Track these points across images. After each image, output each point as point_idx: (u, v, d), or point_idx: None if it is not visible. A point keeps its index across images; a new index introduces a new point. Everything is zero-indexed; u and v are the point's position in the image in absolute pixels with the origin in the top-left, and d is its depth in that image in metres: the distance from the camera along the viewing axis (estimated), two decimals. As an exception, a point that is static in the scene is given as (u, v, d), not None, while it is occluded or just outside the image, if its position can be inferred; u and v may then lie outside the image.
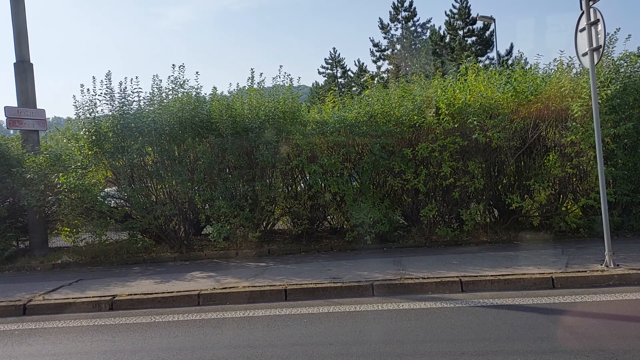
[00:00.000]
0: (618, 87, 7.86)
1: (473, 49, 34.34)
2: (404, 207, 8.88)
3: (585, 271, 5.98)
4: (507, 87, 8.11)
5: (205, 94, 9.31)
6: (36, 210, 8.97)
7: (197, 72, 9.38)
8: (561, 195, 8.48)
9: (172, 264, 8.29)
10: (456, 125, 8.08)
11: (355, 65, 51.15)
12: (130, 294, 6.15)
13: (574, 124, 7.69)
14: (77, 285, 6.92)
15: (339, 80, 54.60)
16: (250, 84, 9.22)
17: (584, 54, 6.30)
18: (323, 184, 8.39)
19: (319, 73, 55.34)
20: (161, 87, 8.98)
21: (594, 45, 6.09)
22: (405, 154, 8.23)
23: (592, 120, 7.71)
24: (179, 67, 9.07)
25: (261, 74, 9.17)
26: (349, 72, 53.18)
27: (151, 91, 8.90)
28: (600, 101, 7.72)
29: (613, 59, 8.55)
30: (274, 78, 9.03)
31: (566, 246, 7.63)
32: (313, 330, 4.77)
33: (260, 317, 5.31)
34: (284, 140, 8.37)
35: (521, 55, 13.44)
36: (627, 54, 8.59)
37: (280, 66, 9.27)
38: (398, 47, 43.14)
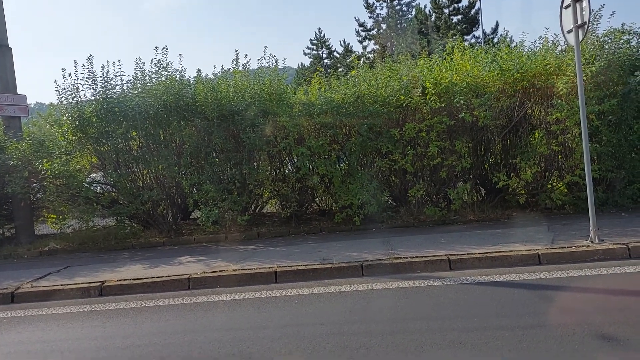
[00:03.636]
0: (603, 63, 7.89)
1: (459, 27, 34.20)
2: (392, 187, 8.91)
3: (571, 247, 6.08)
4: (493, 66, 8.11)
5: (190, 76, 9.19)
6: (21, 198, 8.84)
7: (180, 55, 9.23)
8: (547, 173, 8.56)
9: (161, 249, 8.26)
10: (443, 105, 8.08)
11: (341, 45, 50.85)
12: (120, 280, 6.13)
13: (559, 101, 7.74)
14: (65, 272, 6.87)
15: (325, 61, 54.18)
16: (235, 66, 9.12)
17: (569, 31, 6.31)
18: (311, 166, 8.37)
19: (305, 54, 54.96)
20: (145, 70, 8.83)
21: (579, 22, 6.09)
22: (392, 134, 8.22)
23: (577, 98, 7.82)
24: (162, 49, 8.92)
25: (246, 55, 9.22)
26: (335, 53, 52.79)
27: (134, 75, 8.74)
28: (585, 78, 7.78)
29: (598, 36, 8.58)
30: (259, 60, 8.95)
31: (552, 223, 7.73)
32: (304, 311, 4.80)
33: (250, 299, 5.33)
34: (271, 122, 8.32)
35: (506, 34, 13.42)
36: (612, 30, 8.62)
37: (265, 47, 9.23)
38: (384, 26, 42.86)
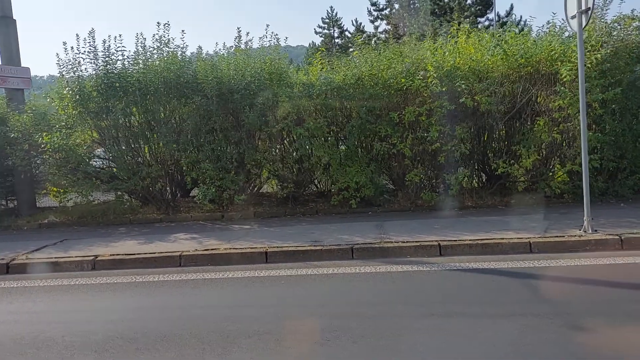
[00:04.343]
0: (609, 50, 7.72)
1: (472, 9, 33.54)
2: (391, 171, 8.87)
3: (563, 236, 6.04)
4: (496, 50, 7.97)
5: (192, 53, 9.15)
6: (21, 170, 8.94)
7: (182, 31, 9.14)
8: (548, 161, 8.47)
9: (158, 225, 8.34)
10: (444, 89, 7.96)
11: (353, 25, 50.19)
12: (113, 254, 6.21)
13: (562, 88, 7.60)
14: (61, 245, 6.97)
15: (336, 40, 53.56)
16: (237, 43, 9.05)
17: (573, 17, 6.16)
18: (309, 148, 8.34)
19: (316, 33, 54.34)
20: (145, 45, 8.79)
21: (583, 7, 5.95)
22: (392, 117, 8.14)
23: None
24: (164, 25, 8.87)
25: (247, 33, 9.01)
26: (347, 32, 52.15)
27: (135, 50, 8.71)
28: (589, 65, 7.64)
29: (606, 22, 8.39)
30: (260, 38, 8.89)
31: (550, 211, 7.67)
32: (289, 292, 4.85)
33: (239, 278, 5.38)
34: (270, 102, 8.27)
35: (516, 18, 13.16)
36: (622, 16, 8.42)
37: (267, 25, 9.06)
38: (396, 6, 42.17)
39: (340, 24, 53.05)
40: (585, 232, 6.12)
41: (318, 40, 53.70)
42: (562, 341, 3.37)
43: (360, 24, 49.26)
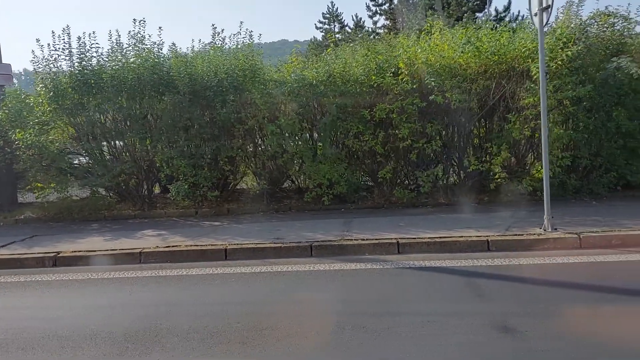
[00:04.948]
0: (580, 47, 7.67)
1: (470, 4, 33.29)
2: (363, 168, 8.86)
3: (522, 234, 6.03)
4: (467, 47, 7.92)
5: (168, 50, 9.14)
6: (1, 166, 9.01)
7: (159, 28, 9.14)
8: (521, 158, 8.43)
9: (132, 222, 8.38)
10: (415, 86, 7.94)
11: (353, 20, 50.00)
12: (75, 251, 6.26)
13: (532, 85, 7.57)
14: (29, 242, 7.03)
15: (337, 35, 53.43)
16: (213, 40, 9.04)
17: (535, 14, 6.12)
18: (282, 144, 8.34)
19: (317, 28, 54.09)
20: (121, 42, 8.81)
21: (544, 4, 5.91)
22: (363, 115, 8.13)
23: (550, 82, 7.66)
24: (139, 22, 8.87)
25: (222, 30, 8.97)
26: (347, 28, 51.95)
27: (110, 47, 8.73)
28: (560, 62, 7.60)
29: (582, 19, 8.33)
30: (234, 34, 8.85)
31: (520, 209, 7.63)
32: (235, 290, 4.89)
33: (193, 275, 5.42)
34: (243, 99, 8.28)
35: (512, 13, 13.07)
36: (598, 12, 8.36)
37: (241, 22, 8.99)
38: (395, 1, 41.90)
39: (341, 19, 52.83)
40: (545, 230, 6.10)
41: (319, 35, 53.60)
42: (484, 343, 3.38)
43: (360, 19, 48.96)
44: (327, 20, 53.43)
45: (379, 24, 43.01)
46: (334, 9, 52.99)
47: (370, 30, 41.64)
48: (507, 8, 33.45)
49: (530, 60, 7.73)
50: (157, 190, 9.93)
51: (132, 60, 8.55)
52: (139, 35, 8.79)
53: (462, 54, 7.91)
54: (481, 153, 8.48)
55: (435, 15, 32.24)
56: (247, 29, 8.83)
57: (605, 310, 3.91)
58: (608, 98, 7.98)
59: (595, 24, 8.33)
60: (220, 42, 9.00)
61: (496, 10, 32.96)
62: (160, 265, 5.87)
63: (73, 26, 8.98)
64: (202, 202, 8.73)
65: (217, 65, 8.43)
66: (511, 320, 3.71)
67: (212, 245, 6.24)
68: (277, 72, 8.73)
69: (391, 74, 8.11)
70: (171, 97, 8.28)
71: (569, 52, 7.51)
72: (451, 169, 9.08)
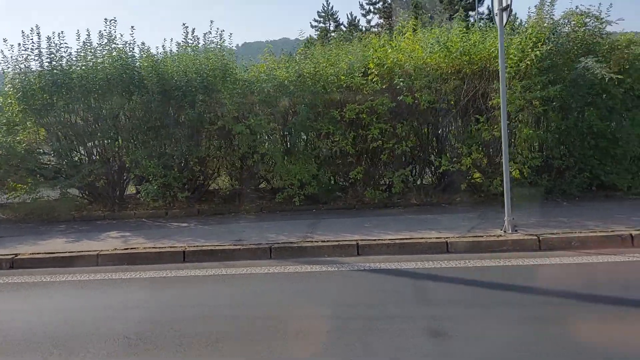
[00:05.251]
0: (550, 47, 7.63)
1: (463, 2, 33.24)
2: (335, 169, 8.81)
3: (482, 236, 5.99)
4: (435, 47, 7.87)
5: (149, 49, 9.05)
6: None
7: (132, 27, 9.08)
8: (491, 158, 8.38)
9: (100, 223, 8.32)
10: (384, 87, 7.89)
11: (348, 18, 49.90)
12: (33, 253, 6.20)
13: (499, 86, 7.50)
14: (-9, 243, 6.97)
15: (332, 34, 53.33)
16: (185, 40, 8.98)
17: (496, 14, 6.08)
18: (252, 145, 8.28)
19: (312, 27, 54.04)
20: (91, 42, 8.75)
21: (503, 4, 5.86)
22: (333, 115, 8.08)
23: (519, 82, 7.62)
24: (110, 21, 8.81)
25: (194, 29, 8.91)
26: (342, 26, 51.86)
27: (78, 47, 8.67)
28: (528, 62, 7.56)
29: (553, 18, 8.29)
30: (205, 34, 8.78)
31: (489, 209, 7.60)
32: (179, 293, 4.85)
33: (144, 278, 5.36)
34: (213, 99, 8.22)
35: (483, 12, 13.01)
36: (570, 12, 8.32)
37: (212, 22, 8.93)
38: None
39: (336, 17, 52.75)
40: (505, 232, 6.06)
41: (314, 33, 53.51)
42: (411, 346, 3.33)
43: (355, 17, 48.97)
44: (322, 19, 53.38)
45: (372, 23, 43.03)
46: (329, 7, 52.97)
47: (364, 29, 41.62)
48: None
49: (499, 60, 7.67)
50: (133, 190, 9.87)
51: (100, 60, 8.49)
52: (110, 34, 8.73)
53: (430, 54, 7.86)
54: (453, 153, 8.43)
55: (427, 14, 32.23)
56: (217, 29, 8.78)
57: (541, 314, 3.85)
58: (579, 98, 7.94)
59: (569, 23, 8.29)
60: (192, 42, 8.93)
61: (489, 8, 32.89)
62: (116, 268, 5.81)
63: (66, 26, 8.92)
64: (172, 203, 8.67)
65: (187, 65, 8.38)
66: (445, 324, 3.66)
67: (171, 247, 6.18)
68: (248, 72, 8.64)
69: (361, 74, 8.06)
70: (140, 97, 8.22)
71: (538, 52, 7.47)
72: (424, 169, 9.06)
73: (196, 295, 4.76)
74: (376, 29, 39.77)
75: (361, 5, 43.44)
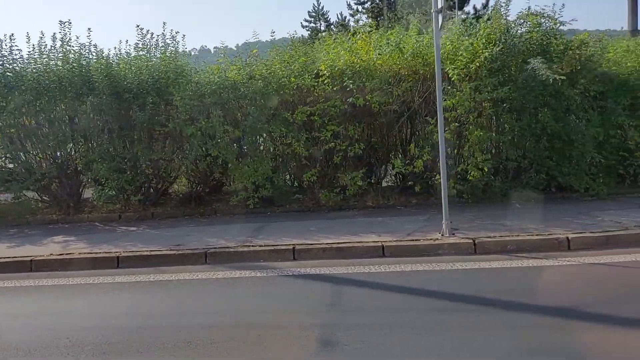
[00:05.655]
0: (500, 48, 7.58)
1: (450, 2, 33.15)
2: (290, 171, 8.76)
3: (419, 240, 5.94)
4: (385, 49, 7.82)
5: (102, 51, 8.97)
6: None
7: (89, 29, 8.98)
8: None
9: (52, 227, 8.23)
10: (336, 89, 7.84)
11: (338, 18, 49.80)
12: (-33, 259, 6.12)
13: (448, 87, 7.48)
14: None
15: (323, 34, 53.18)
16: (141, 42, 8.89)
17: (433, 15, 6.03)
18: (204, 147, 8.22)
19: (302, 27, 53.93)
20: (45, 44, 8.66)
21: (439, 6, 5.82)
22: (286, 117, 8.02)
23: (469, 84, 7.57)
24: (65, 23, 8.72)
25: (148, 30, 8.82)
26: (332, 27, 51.73)
27: (29, 50, 8.59)
28: (478, 63, 7.52)
29: (507, 19, 8.24)
30: (158, 36, 8.70)
31: (440, 212, 7.51)
32: (98, 301, 4.78)
33: (70, 285, 5.30)
34: (164, 101, 8.15)
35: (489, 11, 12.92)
36: (525, 13, 8.28)
37: (164, 23, 8.84)
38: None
39: (327, 17, 52.66)
40: (442, 235, 6.01)
41: (305, 33, 53.39)
42: (304, 355, 3.28)
43: (345, 17, 48.92)
44: (312, 19, 53.29)
45: (361, 22, 42.89)
46: (320, 7, 52.88)
47: (352, 29, 41.52)
48: (485, 5, 33.39)
49: (448, 62, 7.64)
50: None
51: (52, 62, 8.42)
52: (65, 37, 8.65)
53: (380, 56, 7.81)
54: (406, 155, 8.37)
55: (412, 14, 32.16)
56: (171, 30, 8.70)
57: (444, 320, 3.81)
58: (532, 99, 7.89)
59: (524, 24, 8.24)
60: (147, 44, 8.85)
61: (475, 8, 32.90)
62: (49, 274, 5.73)
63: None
64: (127, 207, 8.60)
65: (140, 67, 8.31)
66: (343, 332, 3.59)
67: (106, 253, 6.11)
68: (199, 74, 8.56)
69: (313, 76, 8.00)
70: (93, 99, 8.15)
71: (487, 54, 7.42)
72: (384, 171, 9.02)
73: (103, 304, 4.69)
74: (364, 29, 39.69)
75: (349, 5, 43.30)
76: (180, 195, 8.83)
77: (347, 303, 4.36)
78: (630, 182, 8.91)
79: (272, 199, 8.50)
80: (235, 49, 9.62)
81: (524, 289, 4.49)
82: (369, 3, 42.36)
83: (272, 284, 5.00)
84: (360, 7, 43.03)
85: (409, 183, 8.60)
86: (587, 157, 8.17)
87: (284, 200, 8.64)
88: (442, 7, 5.74)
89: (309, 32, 52.87)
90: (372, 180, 8.77)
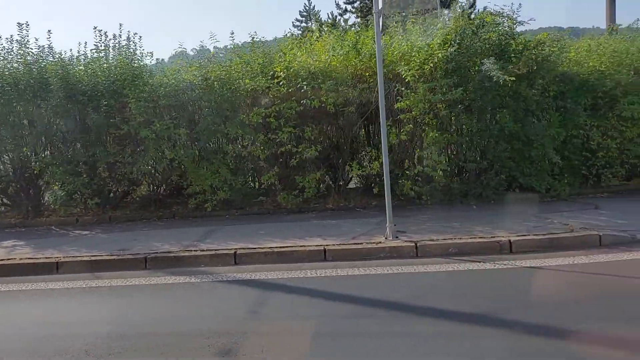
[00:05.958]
0: (455, 49, 7.52)
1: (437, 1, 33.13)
2: (248, 173, 8.69)
3: (361, 243, 5.88)
4: (338, 50, 7.76)
5: (63, 53, 8.88)
6: None
7: (49, 31, 8.88)
8: (398, 163, 8.25)
9: (8, 231, 8.12)
10: (291, 90, 7.77)
11: (329, 18, 49.73)
12: None
13: (402, 89, 7.42)
14: None
15: (311, 33, 53.07)
16: (97, 43, 8.80)
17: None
18: (160, 150, 8.14)
19: (294, 26, 53.78)
20: (3, 46, 8.58)
21: (380, 7, 5.77)
22: (242, 119, 7.95)
23: (423, 85, 7.52)
24: (24, 24, 8.63)
25: (105, 32, 8.72)
26: (324, 26, 51.68)
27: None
28: (432, 64, 7.47)
29: (466, 20, 8.19)
30: (114, 36, 8.61)
31: (396, 215, 7.44)
32: (22, 309, 4.71)
33: (7, 291, 5.22)
34: (119, 103, 8.07)
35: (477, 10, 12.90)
36: (485, 13, 8.24)
37: (121, 25, 8.75)
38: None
39: (319, 17, 52.54)
40: (386, 238, 5.95)
41: (296, 33, 53.33)
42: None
43: (336, 17, 48.90)
44: (304, 19, 53.21)
45: (350, 22, 42.80)
46: (311, 6, 52.79)
47: (342, 28, 41.40)
48: (472, 4, 33.34)
49: (404, 62, 7.58)
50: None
51: (8, 65, 8.33)
52: (22, 39, 8.55)
53: (334, 57, 7.75)
54: (364, 157, 8.32)
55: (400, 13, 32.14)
56: (128, 31, 8.62)
57: (365, 328, 3.75)
58: (489, 100, 7.84)
59: (483, 24, 8.18)
60: (103, 46, 8.75)
61: (462, 7, 32.78)
62: (-17, 280, 5.66)
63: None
64: (85, 210, 8.52)
65: (96, 69, 8.23)
66: (246, 342, 3.53)
67: (46, 258, 6.04)
68: (153, 76, 8.47)
69: (270, 77, 7.94)
70: (47, 102, 8.06)
71: (441, 54, 7.37)
72: (345, 172, 8.94)
73: (17, 312, 4.62)
74: (353, 29, 39.63)
75: (337, 5, 43.16)
76: (139, 199, 8.73)
77: (269, 310, 4.29)
78: (593, 182, 8.90)
79: (232, 202, 8.43)
80: (213, 50, 9.48)
81: (446, 293, 4.43)
82: (358, 2, 42.26)
83: (203, 290, 4.94)
84: (349, 7, 42.89)
85: (368, 184, 8.53)
86: (547, 158, 8.14)
87: (245, 202, 8.57)
88: (381, 9, 5.68)
89: (300, 31, 53.04)
90: (340, 182, 8.69)
